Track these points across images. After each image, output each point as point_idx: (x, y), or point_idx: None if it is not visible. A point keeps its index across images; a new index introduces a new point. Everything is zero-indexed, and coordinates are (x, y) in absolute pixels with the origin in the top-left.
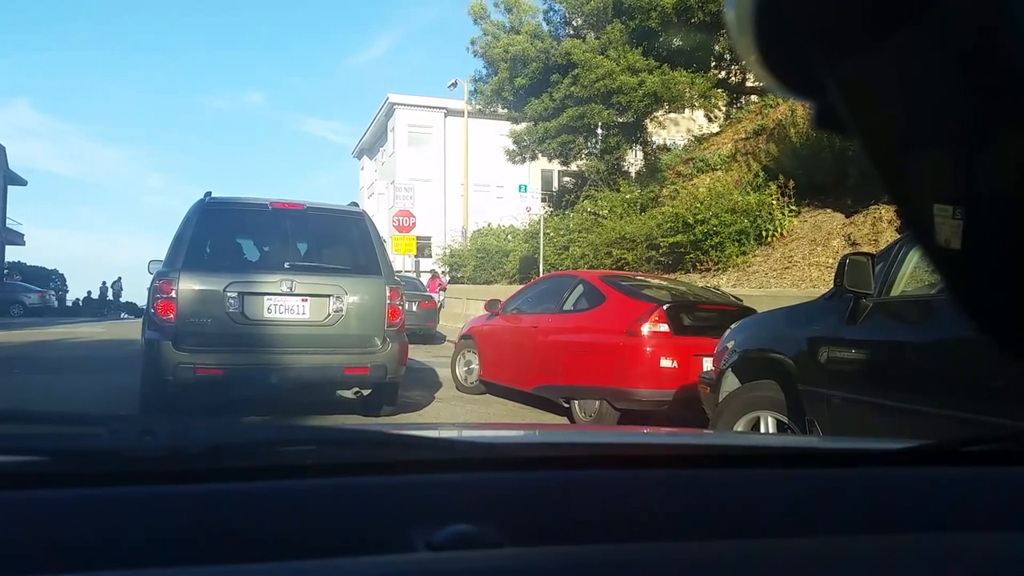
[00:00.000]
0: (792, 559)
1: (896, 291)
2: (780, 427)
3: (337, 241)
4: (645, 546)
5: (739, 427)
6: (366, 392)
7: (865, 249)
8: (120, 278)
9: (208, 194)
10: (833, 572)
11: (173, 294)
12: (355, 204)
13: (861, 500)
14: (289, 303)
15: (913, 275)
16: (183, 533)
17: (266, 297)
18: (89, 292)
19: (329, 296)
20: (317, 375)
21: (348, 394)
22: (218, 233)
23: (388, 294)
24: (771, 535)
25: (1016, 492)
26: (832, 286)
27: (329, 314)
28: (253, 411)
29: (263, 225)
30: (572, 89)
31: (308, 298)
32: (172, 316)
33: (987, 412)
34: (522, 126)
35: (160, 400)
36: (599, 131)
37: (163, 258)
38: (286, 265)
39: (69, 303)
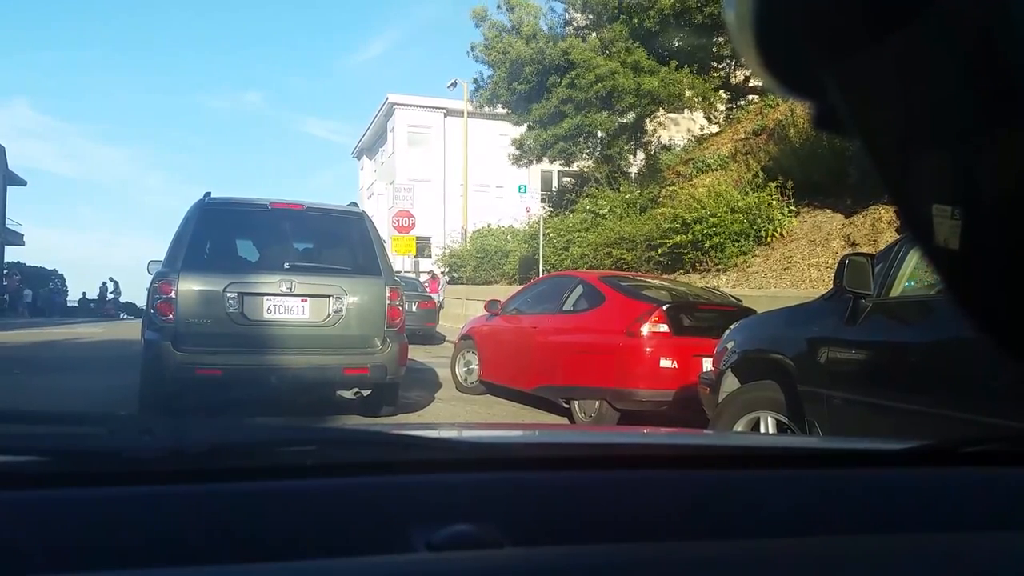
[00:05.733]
0: (792, 559)
1: (895, 292)
2: (780, 427)
3: (337, 241)
4: (645, 546)
5: (739, 427)
6: (366, 393)
7: (864, 249)
8: (111, 278)
9: (207, 194)
10: (833, 572)
11: (172, 295)
12: (355, 204)
13: (861, 500)
14: (289, 303)
15: (912, 275)
16: (183, 533)
17: (266, 297)
18: (84, 293)
19: (329, 296)
20: (317, 376)
21: (348, 394)
22: (218, 233)
23: (388, 295)
24: (771, 535)
25: (1016, 492)
26: (831, 286)
27: (329, 314)
28: (252, 412)
29: (263, 225)
30: (570, 92)
31: (308, 298)
32: (171, 316)
33: (987, 412)
34: (523, 129)
35: (160, 400)
36: (599, 134)
37: (163, 258)
38: (286, 265)
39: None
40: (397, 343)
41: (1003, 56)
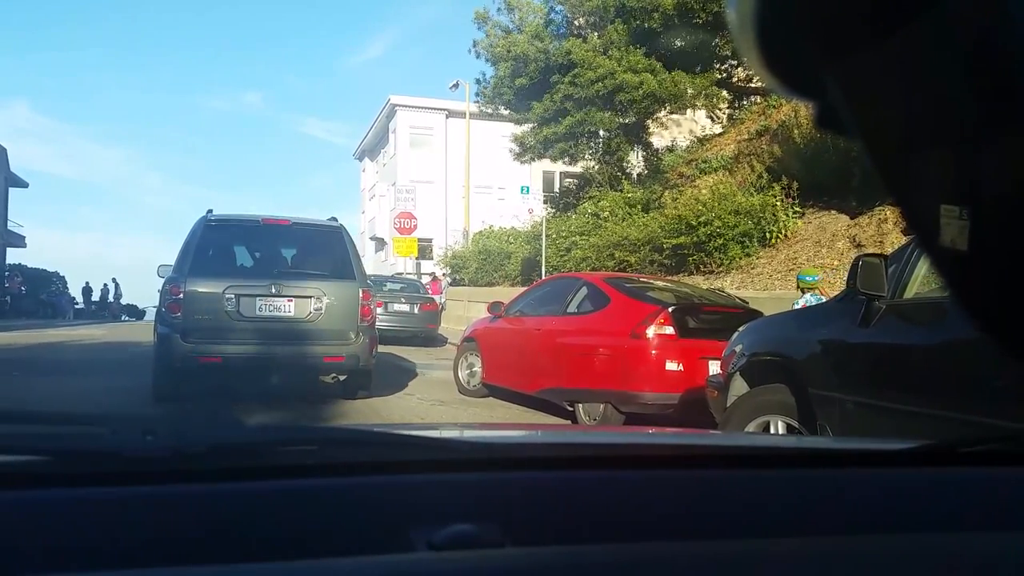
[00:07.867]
0: (792, 559)
1: (910, 293)
2: (790, 431)
3: (318, 251)
4: (645, 546)
5: (748, 431)
6: (343, 377)
7: (870, 250)
8: (113, 279)
9: (210, 211)
10: (833, 572)
11: (181, 296)
12: (334, 219)
13: (861, 500)
14: (277, 303)
15: (927, 277)
16: (184, 533)
17: (258, 298)
18: (87, 282)
19: (311, 297)
20: (300, 362)
21: (327, 379)
22: (218, 244)
23: (361, 295)
24: (772, 535)
25: (1016, 492)
26: (836, 288)
27: (311, 312)
28: (247, 393)
29: (256, 238)
30: (571, 90)
31: (293, 299)
32: (180, 314)
33: (1004, 415)
34: (524, 128)
35: (170, 383)
36: (601, 133)
37: (172, 263)
38: (275, 271)
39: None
40: (368, 336)
41: (1003, 56)
